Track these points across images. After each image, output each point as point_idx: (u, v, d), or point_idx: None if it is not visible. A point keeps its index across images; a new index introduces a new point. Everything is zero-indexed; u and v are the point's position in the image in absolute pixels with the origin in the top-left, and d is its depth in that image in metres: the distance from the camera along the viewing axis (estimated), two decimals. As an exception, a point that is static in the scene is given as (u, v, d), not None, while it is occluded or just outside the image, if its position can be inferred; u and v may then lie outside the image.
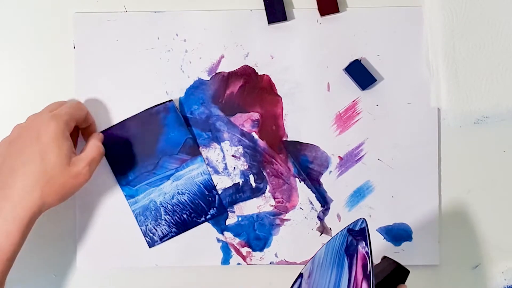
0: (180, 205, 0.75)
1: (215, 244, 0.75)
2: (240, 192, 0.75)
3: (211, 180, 0.75)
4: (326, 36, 0.75)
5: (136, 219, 0.74)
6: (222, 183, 0.75)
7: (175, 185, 0.75)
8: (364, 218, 0.61)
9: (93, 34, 0.75)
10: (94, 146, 0.70)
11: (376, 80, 0.74)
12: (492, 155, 0.76)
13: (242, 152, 0.75)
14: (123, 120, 0.74)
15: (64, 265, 0.76)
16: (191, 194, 0.75)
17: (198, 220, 0.75)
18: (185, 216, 0.75)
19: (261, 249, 0.75)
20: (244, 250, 0.75)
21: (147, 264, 0.75)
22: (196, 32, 0.75)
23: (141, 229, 0.75)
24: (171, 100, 0.74)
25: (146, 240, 0.75)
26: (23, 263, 0.76)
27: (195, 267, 0.76)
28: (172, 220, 0.75)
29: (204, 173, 0.75)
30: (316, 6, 0.74)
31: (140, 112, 0.74)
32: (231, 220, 0.75)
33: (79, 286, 0.76)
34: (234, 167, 0.75)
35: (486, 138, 0.76)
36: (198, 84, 0.75)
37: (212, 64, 0.75)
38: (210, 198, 0.75)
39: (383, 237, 0.75)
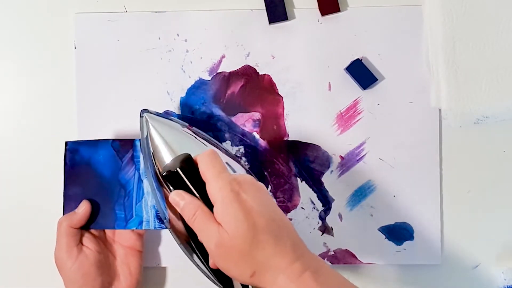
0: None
1: (217, 244, 0.75)
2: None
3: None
4: (327, 35, 0.75)
5: (157, 227, 0.71)
6: (223, 183, 0.75)
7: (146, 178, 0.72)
8: None
9: (94, 34, 0.75)
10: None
11: (377, 79, 0.74)
12: (492, 155, 0.76)
13: (243, 152, 0.75)
14: (64, 188, 0.71)
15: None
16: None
17: None
18: None
19: (262, 249, 0.75)
20: (246, 250, 0.75)
21: (147, 264, 0.75)
22: (197, 32, 0.75)
23: (163, 229, 0.72)
24: (66, 141, 0.71)
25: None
26: (24, 264, 0.75)
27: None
28: None
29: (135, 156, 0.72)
30: (317, 5, 0.75)
31: (64, 174, 0.71)
32: (232, 220, 0.75)
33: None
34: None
35: (486, 138, 0.76)
36: (199, 84, 0.75)
37: (213, 64, 0.75)
38: None
39: (384, 237, 0.75)
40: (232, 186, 0.57)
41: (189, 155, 0.63)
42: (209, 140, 0.70)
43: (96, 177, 0.71)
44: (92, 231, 0.71)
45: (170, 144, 0.67)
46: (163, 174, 0.62)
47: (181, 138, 0.68)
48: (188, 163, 0.62)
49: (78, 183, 0.71)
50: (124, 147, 0.71)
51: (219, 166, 0.59)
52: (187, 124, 0.71)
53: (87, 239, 0.70)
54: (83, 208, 0.70)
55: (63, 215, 0.71)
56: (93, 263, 0.69)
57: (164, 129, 0.68)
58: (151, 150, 0.67)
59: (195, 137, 0.69)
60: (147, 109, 0.69)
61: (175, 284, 0.76)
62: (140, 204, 0.71)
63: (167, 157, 0.66)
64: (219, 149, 0.69)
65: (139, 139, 0.71)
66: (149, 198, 0.71)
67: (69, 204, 0.71)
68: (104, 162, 0.71)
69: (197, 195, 0.61)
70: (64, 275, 0.69)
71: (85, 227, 0.71)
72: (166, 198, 0.66)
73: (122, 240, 0.72)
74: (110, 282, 0.70)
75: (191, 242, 0.66)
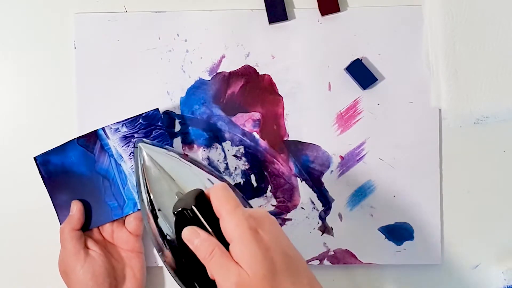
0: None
1: (217, 244, 0.75)
2: (241, 192, 0.75)
3: (124, 119, 0.72)
4: (327, 35, 0.75)
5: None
6: (223, 183, 0.75)
7: (125, 158, 0.72)
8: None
9: (94, 34, 0.75)
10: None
11: (377, 79, 0.74)
12: (492, 155, 0.76)
13: (244, 152, 0.75)
14: (51, 199, 0.72)
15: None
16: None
17: (166, 136, 0.73)
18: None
19: (262, 249, 0.75)
20: (246, 250, 0.75)
21: (148, 263, 0.75)
22: (197, 32, 0.75)
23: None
24: (34, 157, 0.72)
25: None
26: (25, 268, 0.75)
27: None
28: None
29: (114, 128, 0.72)
30: (317, 5, 0.75)
31: (45, 186, 0.72)
32: (232, 220, 0.75)
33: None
34: (236, 167, 0.75)
35: (486, 138, 0.76)
36: (199, 84, 0.75)
37: (213, 64, 0.75)
38: (142, 124, 0.72)
39: (384, 237, 0.75)
40: (249, 223, 0.55)
41: (202, 190, 0.59)
42: (206, 168, 0.68)
43: (76, 178, 0.72)
44: (94, 236, 0.72)
45: (172, 177, 0.64)
46: (176, 211, 0.58)
47: (182, 169, 0.66)
48: (201, 199, 0.58)
49: (62, 190, 0.72)
50: (90, 140, 0.72)
51: (233, 201, 0.57)
52: (182, 153, 0.70)
53: (91, 243, 0.71)
54: (75, 207, 0.71)
55: (61, 223, 0.72)
56: (101, 265, 0.69)
57: (162, 160, 0.65)
58: (147, 182, 0.65)
59: (197, 168, 0.66)
60: (141, 139, 0.68)
61: (175, 284, 0.76)
62: (127, 187, 0.72)
63: (167, 190, 0.64)
64: (213, 175, 0.67)
65: (102, 128, 0.71)
66: (133, 179, 0.71)
67: (62, 212, 0.72)
68: (77, 161, 0.72)
69: (211, 232, 0.57)
70: (73, 281, 0.69)
71: (85, 228, 0.71)
72: (160, 231, 0.63)
73: (121, 243, 0.73)
74: (117, 285, 0.71)
75: (192, 279, 0.62)
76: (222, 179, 0.68)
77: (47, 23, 0.76)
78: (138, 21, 0.75)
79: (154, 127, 0.72)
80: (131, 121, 0.72)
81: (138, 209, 0.71)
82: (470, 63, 0.74)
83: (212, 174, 0.67)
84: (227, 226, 0.55)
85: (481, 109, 0.74)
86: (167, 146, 0.69)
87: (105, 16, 0.75)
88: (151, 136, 0.72)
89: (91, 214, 0.72)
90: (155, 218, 0.64)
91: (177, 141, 0.75)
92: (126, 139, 0.72)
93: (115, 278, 0.71)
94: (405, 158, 0.75)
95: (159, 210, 0.63)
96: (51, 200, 0.72)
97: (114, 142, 0.72)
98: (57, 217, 0.72)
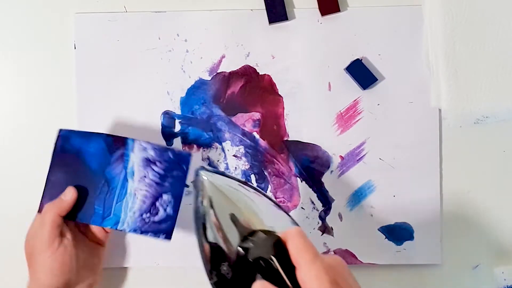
0: (156, 187, 0.71)
1: (217, 244, 0.75)
2: (241, 192, 0.75)
3: (154, 145, 0.71)
4: (327, 35, 0.75)
5: (137, 233, 0.70)
6: (223, 183, 0.75)
7: (136, 179, 0.71)
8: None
9: (94, 34, 0.75)
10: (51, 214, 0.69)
11: (377, 79, 0.74)
12: (492, 155, 0.76)
13: (244, 152, 0.75)
14: (48, 173, 0.71)
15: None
16: (154, 171, 0.71)
17: (181, 183, 0.71)
18: (167, 190, 0.71)
19: (262, 249, 0.75)
20: (246, 250, 0.75)
21: (148, 263, 0.75)
22: (197, 32, 0.75)
23: (149, 236, 0.70)
24: (60, 129, 0.71)
25: (162, 239, 0.70)
26: (25, 268, 0.76)
27: (196, 267, 0.75)
28: (163, 204, 0.71)
29: (143, 146, 0.71)
30: (317, 5, 0.75)
31: (52, 159, 0.71)
32: (232, 220, 0.75)
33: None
34: (236, 167, 0.75)
35: (486, 138, 0.76)
36: (199, 84, 0.75)
37: (213, 64, 0.75)
38: (169, 158, 0.71)
39: (384, 237, 0.75)
40: (329, 276, 0.52)
41: (279, 238, 0.55)
42: (266, 196, 0.63)
43: (82, 168, 0.71)
44: (70, 223, 0.71)
45: (236, 205, 0.59)
46: (252, 259, 0.54)
47: (243, 197, 0.60)
48: (279, 247, 0.55)
49: (64, 170, 0.71)
50: (116, 143, 0.71)
51: (312, 250, 0.54)
52: (243, 180, 0.64)
53: (66, 231, 0.69)
54: (71, 195, 0.69)
55: (43, 201, 0.70)
56: (70, 255, 0.68)
57: (228, 192, 0.59)
58: (213, 219, 0.59)
59: (258, 196, 0.61)
60: (203, 166, 0.60)
61: (175, 284, 0.76)
62: (120, 203, 0.70)
63: (228, 220, 0.58)
64: (274, 203, 0.62)
65: (133, 139, 0.70)
66: (130, 200, 0.70)
67: (50, 190, 0.70)
68: (93, 154, 0.71)
69: (289, 285, 0.53)
70: (38, 264, 0.68)
71: (66, 217, 0.70)
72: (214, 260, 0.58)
73: (91, 235, 0.72)
74: (78, 275, 0.70)
75: None
76: (278, 206, 0.63)
77: (47, 23, 0.76)
78: (138, 21, 0.75)
79: (179, 167, 0.71)
80: (161, 150, 0.70)
81: (117, 229, 0.70)
82: (470, 63, 0.74)
83: (273, 202, 0.63)
84: (306, 277, 0.53)
85: (481, 109, 0.74)
86: (226, 173, 0.65)
87: (105, 16, 0.75)
88: (170, 174, 0.70)
89: (75, 207, 0.70)
90: (213, 250, 0.59)
91: (177, 141, 0.75)
92: (147, 162, 0.70)
93: (78, 268, 0.70)
94: (405, 158, 0.75)
95: (218, 240, 0.58)
96: (48, 173, 0.70)
97: (135, 158, 0.70)
98: (42, 192, 0.70)
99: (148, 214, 0.70)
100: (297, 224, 0.62)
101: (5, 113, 0.76)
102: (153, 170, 0.71)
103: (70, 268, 0.68)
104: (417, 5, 0.75)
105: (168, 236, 0.70)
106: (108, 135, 0.71)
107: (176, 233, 0.74)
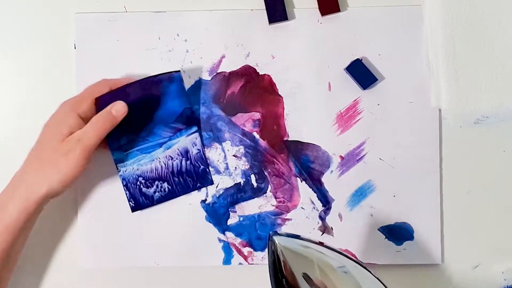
0: (168, 173, 0.74)
1: (217, 244, 0.75)
2: (241, 192, 0.75)
3: (202, 152, 0.75)
4: (327, 35, 0.75)
5: (122, 183, 0.74)
6: (223, 183, 0.75)
7: (166, 153, 0.74)
8: None
9: (94, 34, 0.75)
10: (96, 128, 0.68)
11: (377, 79, 0.74)
12: (492, 155, 0.76)
13: (243, 152, 0.75)
14: (123, 86, 0.72)
15: (65, 264, 0.76)
16: (180, 163, 0.74)
17: (185, 190, 0.75)
18: (172, 183, 0.74)
19: (262, 249, 0.75)
20: (246, 250, 0.75)
21: (148, 263, 0.75)
22: (197, 32, 0.75)
23: (125, 194, 0.74)
24: (179, 70, 0.73)
25: (130, 205, 0.74)
26: (24, 263, 0.75)
27: (196, 267, 0.75)
28: (159, 187, 0.74)
29: (195, 144, 0.74)
30: (317, 5, 0.75)
31: (142, 79, 0.72)
32: (232, 220, 0.75)
33: (80, 285, 0.76)
34: (236, 167, 0.75)
35: (486, 138, 0.76)
36: (199, 84, 0.75)
37: (213, 64, 0.75)
38: (197, 169, 0.75)
39: (384, 237, 0.75)
40: None
41: None
42: (341, 253, 0.62)
43: (153, 107, 0.73)
44: (87, 112, 0.70)
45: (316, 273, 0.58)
46: None
47: (319, 255, 0.59)
48: None
49: (141, 100, 0.72)
50: (188, 120, 0.74)
51: None
52: (317, 241, 0.62)
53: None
54: (123, 112, 0.70)
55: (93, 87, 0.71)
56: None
57: (302, 252, 0.58)
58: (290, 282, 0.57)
59: (335, 253, 0.61)
60: (276, 231, 0.60)
61: (175, 284, 0.76)
62: (137, 153, 0.74)
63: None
64: (349, 258, 0.62)
65: (198, 130, 0.74)
66: (145, 160, 0.74)
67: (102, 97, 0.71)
68: (171, 111, 0.74)
69: None
70: (49, 141, 0.68)
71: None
72: None
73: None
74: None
75: None
76: (353, 259, 0.63)
77: (47, 23, 0.76)
78: (138, 21, 0.75)
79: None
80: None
81: (116, 166, 0.73)
82: (470, 63, 0.74)
83: (348, 258, 0.62)
84: None
85: (481, 109, 0.74)
86: (302, 236, 0.62)
87: (105, 16, 0.75)
88: (191, 178, 0.75)
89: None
90: None
91: (177, 141, 0.76)
92: (185, 153, 0.74)
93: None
94: (406, 158, 0.75)
95: None
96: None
97: (182, 142, 0.74)
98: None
99: (143, 181, 0.74)
100: (378, 279, 0.61)
101: (5, 113, 0.76)
102: (181, 163, 0.74)
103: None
104: (417, 5, 0.75)
105: (135, 208, 0.74)
106: (192, 112, 0.74)
107: (176, 233, 0.74)
